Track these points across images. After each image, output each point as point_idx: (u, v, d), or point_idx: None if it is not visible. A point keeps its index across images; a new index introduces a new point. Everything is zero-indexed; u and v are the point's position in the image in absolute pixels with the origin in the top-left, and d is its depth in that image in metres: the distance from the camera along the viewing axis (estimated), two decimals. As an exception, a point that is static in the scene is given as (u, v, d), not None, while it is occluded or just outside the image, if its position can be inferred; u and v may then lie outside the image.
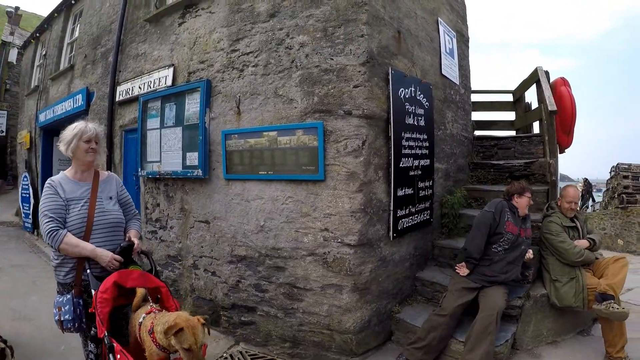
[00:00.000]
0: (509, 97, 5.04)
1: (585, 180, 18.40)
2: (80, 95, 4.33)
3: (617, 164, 13.84)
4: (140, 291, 1.99)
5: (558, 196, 3.13)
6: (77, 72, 4.65)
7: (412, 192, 3.10)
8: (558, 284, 2.94)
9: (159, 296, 2.02)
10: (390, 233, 2.87)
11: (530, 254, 2.92)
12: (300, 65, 2.88)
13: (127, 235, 2.12)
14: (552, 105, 3.27)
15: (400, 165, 2.92)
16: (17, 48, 9.79)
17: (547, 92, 3.50)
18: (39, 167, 6.01)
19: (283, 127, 2.89)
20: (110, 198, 2.13)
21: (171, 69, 3.50)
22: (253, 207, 3.10)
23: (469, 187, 3.93)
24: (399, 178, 2.90)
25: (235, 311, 3.24)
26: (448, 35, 3.83)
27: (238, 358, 2.95)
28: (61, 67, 4.91)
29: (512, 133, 4.79)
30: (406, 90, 3.00)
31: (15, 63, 10.56)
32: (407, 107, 3.01)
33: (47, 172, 5.69)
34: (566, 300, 2.88)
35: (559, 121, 4.01)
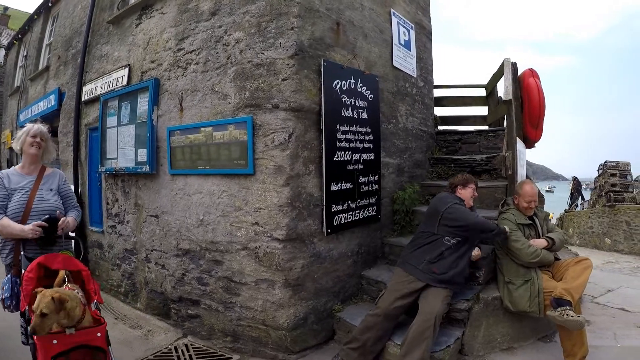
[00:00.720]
0: (482, 92, 4.82)
1: (575, 178, 17.56)
2: (53, 95, 4.58)
3: (605, 162, 13.40)
4: (61, 273, 2.12)
5: (516, 193, 2.95)
6: (52, 72, 4.92)
7: (352, 186, 3.03)
8: (511, 287, 2.72)
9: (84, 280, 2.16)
10: (324, 228, 2.82)
11: (477, 251, 2.75)
12: (235, 61, 2.90)
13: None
14: (507, 95, 3.10)
15: (335, 159, 2.87)
16: (4, 48, 9.96)
17: (507, 82, 3.32)
18: None
19: (217, 122, 2.93)
20: (51, 190, 2.38)
21: (127, 69, 3.62)
22: (194, 201, 3.15)
23: (426, 183, 3.80)
24: (333, 172, 2.85)
25: (183, 304, 3.30)
26: (404, 27, 3.73)
27: (182, 350, 3.00)
28: (39, 68, 5.21)
29: (485, 128, 4.58)
30: (344, 82, 2.95)
31: (1, 64, 10.43)
32: (344, 99, 2.95)
33: None
34: (520, 304, 2.66)
35: (527, 114, 3.80)
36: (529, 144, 3.91)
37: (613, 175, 12.74)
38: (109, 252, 3.93)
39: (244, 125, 2.76)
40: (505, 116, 4.25)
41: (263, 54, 2.77)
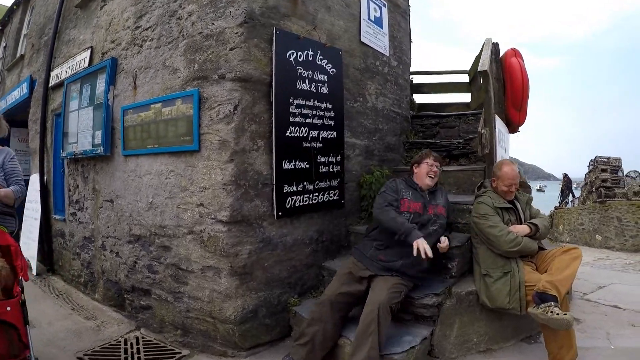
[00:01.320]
0: (465, 78, 4.53)
1: (565, 175, 17.21)
2: (25, 83, 4.55)
3: (596, 157, 12.96)
4: None
5: (494, 175, 2.64)
6: (26, 61, 4.91)
7: (308, 166, 2.80)
8: (489, 280, 2.38)
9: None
10: (275, 211, 2.58)
11: (444, 242, 2.38)
12: (187, 34, 2.75)
13: None
14: (483, 66, 2.83)
15: (288, 134, 2.65)
16: None
17: (484, 56, 3.05)
18: None
19: (165, 97, 2.76)
20: None
21: (89, 51, 3.53)
22: (144, 183, 2.97)
23: (399, 168, 3.52)
24: (285, 149, 2.63)
25: (136, 294, 3.11)
26: (375, 3, 3.52)
27: (131, 343, 2.79)
28: (15, 58, 5.24)
29: (466, 112, 4.28)
30: (300, 53, 2.74)
31: None
32: (300, 71, 2.74)
33: None
34: (498, 299, 2.32)
35: (509, 95, 3.51)
36: (513, 127, 3.61)
37: (604, 170, 12.35)
38: (70, 240, 3.79)
39: (190, 99, 2.58)
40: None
41: (213, 24, 2.60)
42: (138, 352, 2.64)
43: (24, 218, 4.05)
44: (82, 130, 3.48)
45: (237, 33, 2.49)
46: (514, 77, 3.39)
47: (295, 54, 2.71)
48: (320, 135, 2.91)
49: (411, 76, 4.43)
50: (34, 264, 3.88)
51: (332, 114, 3.01)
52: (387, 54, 3.75)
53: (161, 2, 3.02)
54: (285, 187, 2.63)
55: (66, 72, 3.76)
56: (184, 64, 2.73)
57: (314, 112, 2.86)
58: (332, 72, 3.02)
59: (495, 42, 3.47)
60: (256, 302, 2.54)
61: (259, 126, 2.55)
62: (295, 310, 2.65)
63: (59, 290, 3.74)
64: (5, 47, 6.06)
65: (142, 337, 2.86)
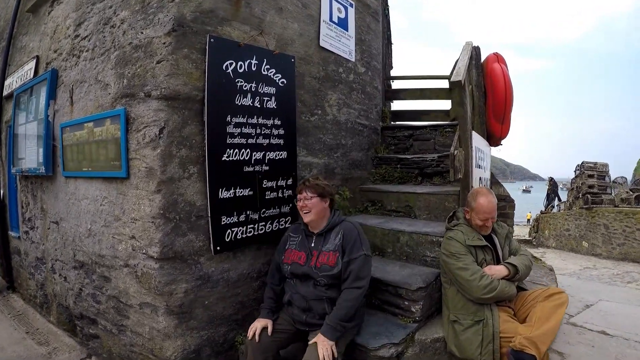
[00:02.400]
0: (445, 84, 4.10)
1: (551, 179, 17.05)
2: None
3: (582, 162, 12.79)
4: None
5: (467, 206, 2.29)
6: None
7: (252, 193, 2.50)
8: (458, 327, 2.11)
9: None
10: (212, 245, 2.31)
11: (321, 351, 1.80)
12: (118, 45, 2.46)
13: None
14: (457, 76, 2.45)
15: (225, 158, 2.35)
16: None
17: (461, 63, 2.66)
18: None
19: (96, 116, 2.50)
20: None
21: (34, 61, 3.29)
22: (83, 207, 2.75)
23: (365, 187, 3.21)
24: (222, 175, 2.34)
25: (84, 321, 2.93)
26: (339, 2, 3.13)
27: None
28: None
29: (442, 123, 3.87)
30: (240, 63, 2.42)
31: None
32: (240, 84, 2.42)
33: None
34: (468, 350, 2.04)
35: (491, 105, 3.13)
36: (494, 141, 3.23)
37: (590, 176, 12.29)
38: (25, 259, 3.64)
39: (118, 120, 2.32)
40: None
41: (142, 33, 2.31)
42: (86, 382, 2.49)
43: None
44: (29, 146, 3.27)
45: (164, 43, 2.19)
46: (496, 85, 3.01)
47: (234, 64, 2.39)
48: (267, 157, 2.59)
49: (391, 81, 4.05)
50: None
51: (282, 132, 2.69)
52: (353, 59, 3.38)
53: (98, 8, 2.73)
54: (223, 219, 2.35)
55: (16, 82, 3.55)
56: (114, 78, 2.45)
57: (258, 131, 2.55)
58: (282, 83, 2.68)
59: (476, 45, 3.07)
60: (198, 341, 2.31)
61: (190, 150, 2.26)
62: (242, 349, 2.42)
63: (17, 311, 3.62)
64: None
65: (92, 367, 2.71)
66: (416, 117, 4.07)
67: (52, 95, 2.97)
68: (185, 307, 2.25)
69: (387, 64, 4.88)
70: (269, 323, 2.09)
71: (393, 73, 4.81)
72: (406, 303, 2.34)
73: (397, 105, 4.30)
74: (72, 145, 2.75)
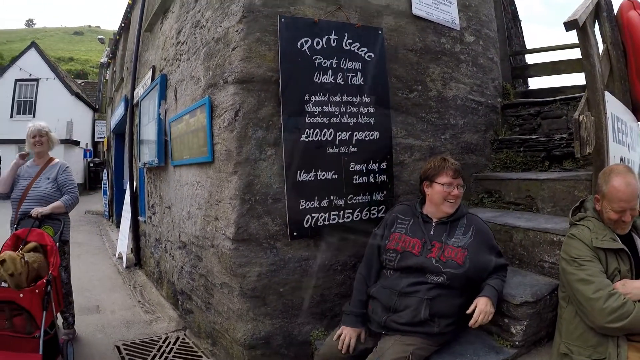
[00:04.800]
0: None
1: None
2: (122, 102, 5.42)
3: None
4: (30, 244, 2.41)
5: (598, 192, 1.69)
6: (124, 83, 5.81)
7: (336, 177, 2.34)
8: None
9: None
10: (288, 230, 2.23)
11: (479, 312, 1.60)
12: (204, 42, 2.68)
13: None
14: (573, 15, 1.83)
15: (304, 139, 2.25)
16: (105, 66, 12.26)
17: (581, 6, 1.99)
18: (112, 165, 7.85)
19: (190, 109, 2.76)
20: (48, 178, 2.76)
21: (151, 70, 3.88)
22: (185, 192, 3.07)
23: (482, 175, 2.70)
24: (300, 156, 2.24)
25: (184, 297, 3.29)
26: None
27: (169, 342, 2.95)
28: (118, 81, 6.27)
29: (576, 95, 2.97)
30: (317, 40, 2.30)
31: (107, 80, 12.31)
32: (317, 61, 2.30)
33: (119, 169, 7.33)
34: None
35: (633, 64, 2.28)
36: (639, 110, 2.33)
37: None
38: (148, 240, 4.33)
39: (204, 108, 2.49)
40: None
41: (220, 26, 2.44)
42: (170, 351, 2.77)
43: (122, 219, 4.88)
44: (149, 142, 3.87)
45: (237, 31, 2.25)
46: (636, 38, 2.19)
47: (310, 42, 2.29)
48: (354, 138, 2.39)
49: (520, 59, 3.41)
50: (124, 258, 4.62)
51: (372, 110, 2.45)
52: (458, 28, 2.92)
53: (191, 14, 3.03)
54: (302, 203, 2.24)
55: (140, 90, 4.27)
56: (203, 72, 2.66)
57: (343, 109, 2.37)
58: (369, 57, 2.45)
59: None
60: (270, 329, 2.26)
61: (267, 132, 2.25)
62: (316, 344, 2.29)
63: (137, 283, 4.32)
64: (114, 71, 7.48)
65: (182, 339, 3.00)
66: (548, 96, 3.33)
67: (162, 96, 3.44)
68: (258, 291, 2.23)
69: (517, 43, 4.33)
70: (362, 332, 1.81)
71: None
72: (505, 321, 1.83)
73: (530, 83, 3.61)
74: (176, 137, 3.11)
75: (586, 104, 1.94)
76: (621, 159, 2.19)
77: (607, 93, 2.03)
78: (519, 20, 4.93)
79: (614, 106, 2.06)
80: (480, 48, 3.13)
